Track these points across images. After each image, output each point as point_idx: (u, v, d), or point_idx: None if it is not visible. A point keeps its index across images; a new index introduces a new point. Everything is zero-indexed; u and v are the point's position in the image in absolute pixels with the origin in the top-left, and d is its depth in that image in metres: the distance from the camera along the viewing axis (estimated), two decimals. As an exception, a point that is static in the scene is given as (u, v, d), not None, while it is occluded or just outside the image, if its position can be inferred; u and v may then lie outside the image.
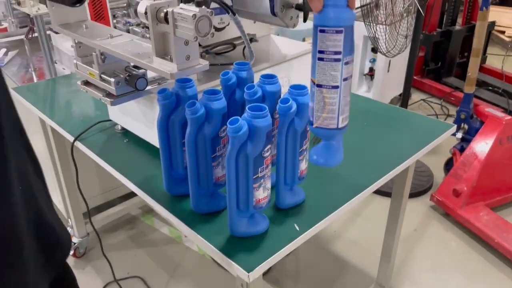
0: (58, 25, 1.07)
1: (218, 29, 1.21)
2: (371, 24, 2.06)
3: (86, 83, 1.06)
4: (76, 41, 1.03)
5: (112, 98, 0.99)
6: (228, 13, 0.85)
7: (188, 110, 0.84)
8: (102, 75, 0.99)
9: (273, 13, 1.22)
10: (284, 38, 1.54)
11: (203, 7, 0.73)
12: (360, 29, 1.94)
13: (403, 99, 2.29)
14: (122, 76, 0.98)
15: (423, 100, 3.44)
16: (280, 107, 0.84)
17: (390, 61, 2.99)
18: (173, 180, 0.99)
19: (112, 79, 0.96)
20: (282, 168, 0.91)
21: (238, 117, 0.78)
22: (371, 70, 3.01)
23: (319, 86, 0.72)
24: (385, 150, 1.20)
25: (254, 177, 0.82)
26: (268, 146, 0.81)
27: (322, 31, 0.68)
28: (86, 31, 1.03)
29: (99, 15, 1.94)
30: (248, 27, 1.40)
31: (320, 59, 0.70)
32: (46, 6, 1.05)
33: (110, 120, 1.31)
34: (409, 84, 2.27)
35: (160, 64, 0.82)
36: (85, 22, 1.09)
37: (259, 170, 0.82)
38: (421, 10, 2.15)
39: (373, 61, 2.98)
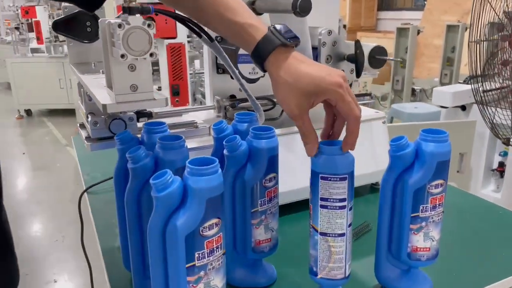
0: (73, 63, 0.99)
1: (250, 81, 1.01)
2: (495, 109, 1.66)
3: (81, 125, 0.93)
4: (79, 81, 0.93)
5: (90, 142, 0.83)
6: (200, 37, 0.64)
7: (129, 157, 0.62)
8: (89, 115, 0.85)
9: (317, 64, 0.98)
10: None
11: (138, 15, 0.53)
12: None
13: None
14: (103, 117, 0.82)
15: None
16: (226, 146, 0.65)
17: (527, 156, 2.40)
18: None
19: (89, 119, 0.81)
20: (229, 230, 0.69)
21: (168, 170, 0.53)
22: (501, 165, 2.46)
23: (323, 234, 0.64)
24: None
25: (188, 265, 0.54)
26: (213, 221, 0.54)
27: (325, 178, 0.62)
28: (91, 68, 0.92)
29: (178, 76, 1.92)
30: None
31: (323, 206, 0.63)
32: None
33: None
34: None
35: (100, 93, 0.63)
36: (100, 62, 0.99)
37: (197, 256, 0.53)
38: None
39: (504, 154, 2.43)
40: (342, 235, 0.64)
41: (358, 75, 0.96)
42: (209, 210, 0.53)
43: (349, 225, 0.64)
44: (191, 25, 0.63)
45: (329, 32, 0.94)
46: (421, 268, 0.72)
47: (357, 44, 0.93)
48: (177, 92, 1.88)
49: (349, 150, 0.61)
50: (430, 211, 0.65)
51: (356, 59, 0.93)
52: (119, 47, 0.55)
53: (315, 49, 0.96)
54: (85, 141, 0.84)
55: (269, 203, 0.69)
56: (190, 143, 0.89)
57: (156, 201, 0.52)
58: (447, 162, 0.64)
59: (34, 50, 5.41)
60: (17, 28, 5.39)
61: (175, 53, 1.84)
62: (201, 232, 0.53)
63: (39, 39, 5.24)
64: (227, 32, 0.64)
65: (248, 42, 0.62)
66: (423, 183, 0.63)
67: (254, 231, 0.69)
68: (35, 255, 2.55)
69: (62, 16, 0.95)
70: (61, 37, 4.97)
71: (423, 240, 0.66)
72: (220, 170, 0.54)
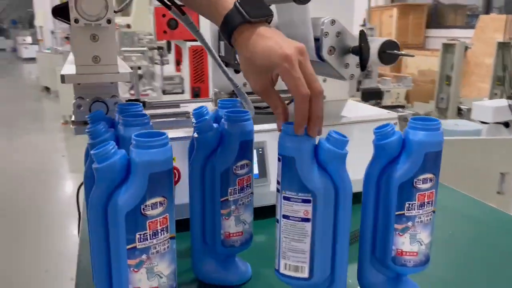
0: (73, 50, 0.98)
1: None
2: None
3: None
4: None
5: (75, 125, 0.81)
6: (170, 9, 0.60)
7: (87, 132, 0.59)
8: (77, 99, 0.83)
9: (319, 57, 0.92)
10: (365, 105, 1.19)
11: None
12: None
13: None
14: (87, 100, 0.80)
15: None
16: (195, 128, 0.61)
17: None
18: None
19: (73, 101, 0.79)
20: (197, 220, 0.64)
21: (112, 141, 0.49)
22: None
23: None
24: None
25: (129, 247, 0.49)
26: (157, 199, 0.49)
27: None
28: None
29: (199, 79, 1.91)
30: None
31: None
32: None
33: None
34: None
35: (68, 67, 0.61)
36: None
37: (138, 237, 0.49)
38: None
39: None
40: (276, 220, 0.58)
41: (363, 68, 0.89)
42: (153, 186, 0.48)
43: (285, 217, 0.56)
44: (158, -5, 0.60)
45: (332, 22, 0.88)
46: (415, 279, 0.63)
47: (362, 36, 0.86)
48: (197, 95, 1.87)
49: (313, 136, 0.54)
50: (417, 209, 0.56)
51: (360, 52, 0.87)
52: (72, 12, 0.52)
53: (318, 40, 0.91)
54: (71, 125, 0.83)
55: (240, 192, 0.63)
56: (178, 133, 0.86)
57: (96, 174, 0.49)
58: (438, 153, 0.56)
59: (83, 59, 5.66)
60: (67, 38, 5.67)
61: (197, 55, 1.83)
62: (142, 211, 0.48)
63: (87, 48, 5.48)
64: (203, 9, 0.61)
65: (216, 19, 0.58)
66: (409, 176, 0.56)
67: (224, 222, 0.63)
68: (59, 253, 2.60)
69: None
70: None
71: (410, 242, 0.58)
72: (169, 144, 0.50)
